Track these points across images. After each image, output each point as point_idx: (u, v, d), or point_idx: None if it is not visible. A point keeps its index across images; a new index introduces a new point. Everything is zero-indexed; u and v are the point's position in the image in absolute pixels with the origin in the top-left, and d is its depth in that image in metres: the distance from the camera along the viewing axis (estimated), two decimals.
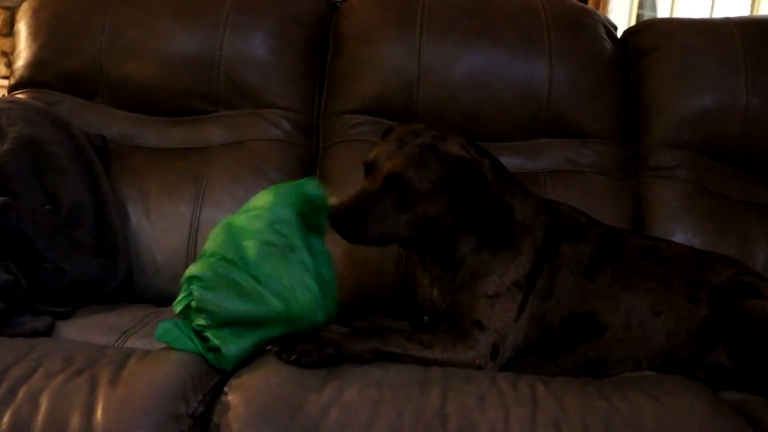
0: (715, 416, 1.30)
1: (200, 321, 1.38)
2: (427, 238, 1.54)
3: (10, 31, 2.18)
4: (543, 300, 1.55)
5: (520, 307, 1.53)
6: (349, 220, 1.46)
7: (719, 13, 4.40)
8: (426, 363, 1.43)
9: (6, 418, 1.21)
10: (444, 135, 1.54)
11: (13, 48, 2.14)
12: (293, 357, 1.36)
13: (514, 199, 1.59)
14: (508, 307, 1.51)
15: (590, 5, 3.93)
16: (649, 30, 2.19)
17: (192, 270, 1.41)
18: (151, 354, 1.37)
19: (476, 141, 1.66)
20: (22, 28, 2.10)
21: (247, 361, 1.40)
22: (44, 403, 1.22)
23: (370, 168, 1.52)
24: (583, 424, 1.25)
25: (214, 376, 1.35)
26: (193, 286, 1.38)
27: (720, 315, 1.55)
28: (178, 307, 1.42)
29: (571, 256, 1.59)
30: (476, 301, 1.52)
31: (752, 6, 4.33)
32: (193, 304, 1.39)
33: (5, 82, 2.29)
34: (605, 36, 2.15)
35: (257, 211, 1.50)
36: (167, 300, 1.80)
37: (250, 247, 1.42)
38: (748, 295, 1.54)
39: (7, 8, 3.36)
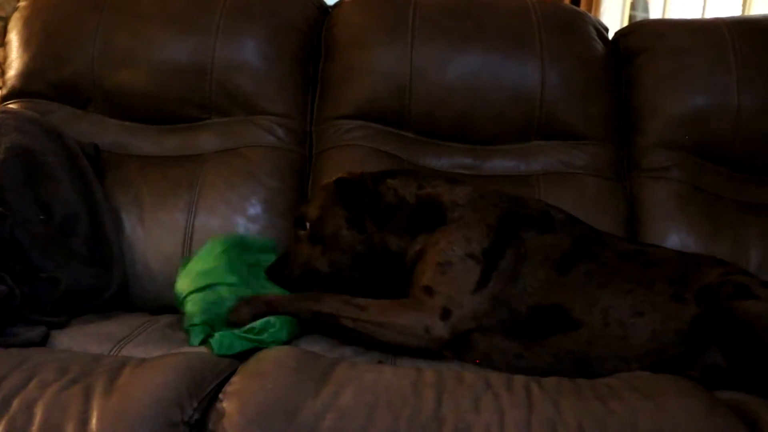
0: (711, 416, 1.30)
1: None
2: (356, 263, 1.62)
3: (1, 41, 2.18)
4: (507, 283, 1.56)
5: (480, 281, 1.54)
6: (276, 270, 1.68)
7: (711, 14, 4.41)
8: (364, 326, 1.49)
9: (0, 429, 1.20)
10: (342, 174, 1.71)
11: (5, 58, 2.13)
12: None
13: (437, 189, 1.66)
14: (462, 277, 1.53)
15: (582, 7, 3.94)
16: (641, 31, 2.20)
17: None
18: (146, 362, 1.37)
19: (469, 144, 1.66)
20: (14, 38, 2.10)
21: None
22: (38, 413, 1.21)
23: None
24: (579, 425, 1.24)
25: (210, 382, 1.34)
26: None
27: (712, 316, 1.55)
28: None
29: (539, 247, 1.60)
30: (427, 269, 1.55)
31: (744, 6, 4.34)
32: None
33: None
34: (596, 38, 2.15)
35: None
36: (163, 307, 1.81)
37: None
38: (741, 296, 1.54)
39: None
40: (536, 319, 1.56)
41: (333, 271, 1.62)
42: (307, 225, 1.63)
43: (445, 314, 1.49)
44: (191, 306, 1.59)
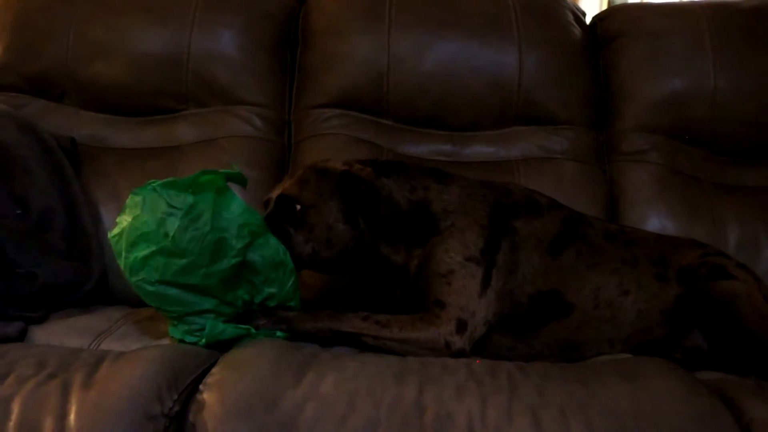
0: (691, 397, 1.30)
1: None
2: (340, 258, 1.57)
3: None
4: (509, 275, 1.56)
5: (484, 282, 1.53)
6: None
7: None
8: (386, 343, 1.46)
9: None
10: (327, 159, 1.64)
11: None
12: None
13: (428, 193, 1.61)
14: (466, 283, 1.52)
15: None
16: (617, 15, 2.21)
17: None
18: (124, 355, 1.36)
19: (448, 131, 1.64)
20: None
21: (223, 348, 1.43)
22: (16, 409, 1.20)
23: (267, 204, 1.60)
24: (560, 410, 1.24)
25: (190, 374, 1.33)
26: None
27: (691, 296, 1.56)
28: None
29: (531, 232, 1.60)
30: (432, 283, 1.53)
31: None
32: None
33: None
34: (574, 22, 2.15)
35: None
36: (143, 301, 1.78)
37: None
38: (718, 277, 1.55)
39: None
40: (536, 308, 1.56)
41: (312, 260, 1.57)
42: (298, 207, 1.55)
43: (461, 326, 1.48)
44: (174, 331, 1.49)
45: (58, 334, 1.53)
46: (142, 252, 1.39)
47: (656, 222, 1.97)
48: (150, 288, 1.41)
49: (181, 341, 1.48)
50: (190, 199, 1.41)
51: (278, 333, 1.49)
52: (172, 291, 1.41)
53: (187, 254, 1.38)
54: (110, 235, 1.47)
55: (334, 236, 1.55)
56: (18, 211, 1.74)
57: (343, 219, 1.55)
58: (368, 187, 1.55)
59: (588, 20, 2.24)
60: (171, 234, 1.38)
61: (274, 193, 1.59)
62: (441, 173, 1.68)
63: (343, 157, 1.68)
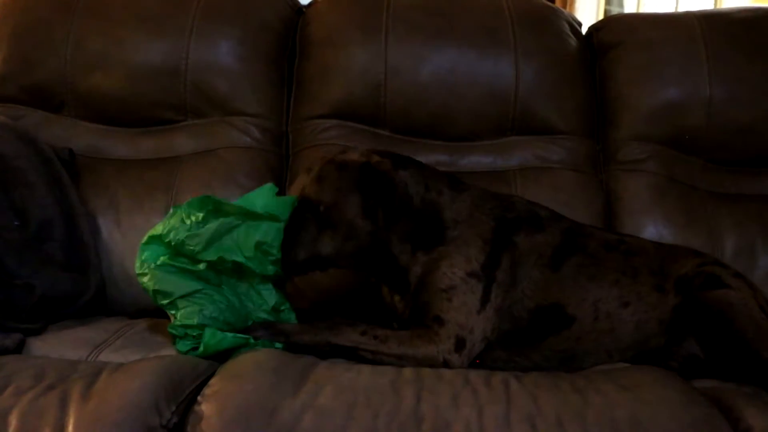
0: (687, 405, 1.31)
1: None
2: (358, 253, 1.56)
3: None
4: (507, 291, 1.56)
5: (483, 298, 1.53)
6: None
7: (684, 8, 4.44)
8: (383, 358, 1.46)
9: None
10: (345, 150, 1.65)
11: None
12: None
13: (441, 197, 1.61)
14: (467, 299, 1.52)
15: (558, 3, 3.96)
16: (613, 25, 2.22)
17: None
18: (123, 367, 1.36)
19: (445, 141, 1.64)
20: None
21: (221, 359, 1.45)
22: (14, 421, 1.21)
23: None
24: (557, 418, 1.25)
25: (188, 385, 1.34)
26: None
27: (688, 306, 1.57)
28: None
29: (532, 247, 1.60)
30: (433, 297, 1.53)
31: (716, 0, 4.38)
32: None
33: None
34: (570, 32, 2.16)
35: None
36: (141, 312, 1.80)
37: None
38: (712, 286, 1.56)
39: None
40: (537, 323, 1.56)
41: (334, 257, 1.56)
42: (321, 209, 1.54)
43: (460, 344, 1.48)
44: (185, 312, 1.52)
45: (56, 346, 1.54)
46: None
47: (653, 231, 1.97)
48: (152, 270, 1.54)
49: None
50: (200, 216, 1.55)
51: (276, 344, 1.49)
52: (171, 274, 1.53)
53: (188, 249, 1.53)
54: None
55: (354, 231, 1.55)
56: (16, 223, 1.74)
57: (362, 214, 1.54)
58: (390, 186, 1.55)
59: (584, 30, 2.25)
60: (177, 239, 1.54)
61: (294, 191, 1.59)
62: (455, 179, 1.68)
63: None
